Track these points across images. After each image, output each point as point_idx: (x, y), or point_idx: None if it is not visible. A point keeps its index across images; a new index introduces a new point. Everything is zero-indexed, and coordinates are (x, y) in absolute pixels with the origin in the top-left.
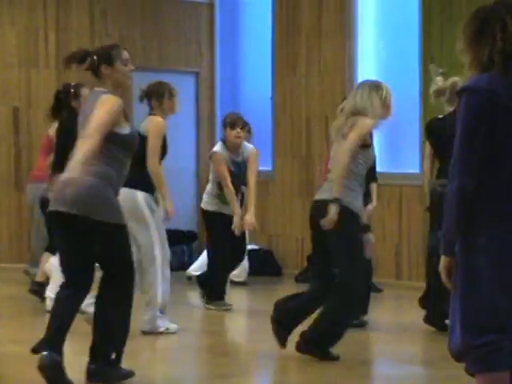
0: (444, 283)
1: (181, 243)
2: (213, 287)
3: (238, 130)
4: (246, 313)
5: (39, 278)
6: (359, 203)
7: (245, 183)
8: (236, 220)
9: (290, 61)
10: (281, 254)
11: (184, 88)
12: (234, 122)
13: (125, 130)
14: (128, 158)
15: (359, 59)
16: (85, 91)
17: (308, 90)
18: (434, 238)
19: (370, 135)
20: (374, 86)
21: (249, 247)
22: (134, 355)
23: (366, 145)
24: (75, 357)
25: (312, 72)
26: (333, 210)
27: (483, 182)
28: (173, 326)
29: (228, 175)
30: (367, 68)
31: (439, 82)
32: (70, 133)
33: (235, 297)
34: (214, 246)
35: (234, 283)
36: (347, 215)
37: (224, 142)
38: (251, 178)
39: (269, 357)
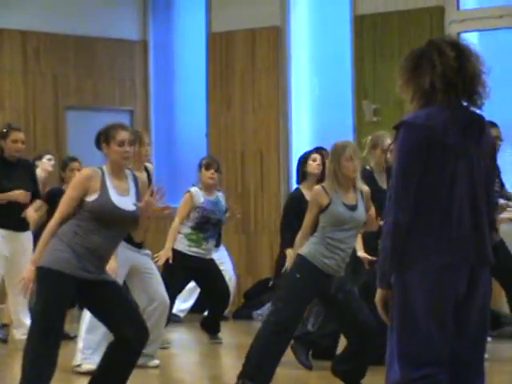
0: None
1: None
2: None
3: (213, 171)
4: (184, 350)
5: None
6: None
7: (221, 222)
8: (163, 252)
9: (224, 97)
10: None
11: None
12: (210, 163)
13: (91, 197)
14: (104, 224)
15: (293, 95)
16: (17, 135)
17: (243, 126)
18: None
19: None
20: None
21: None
22: None
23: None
24: None
25: (246, 108)
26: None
27: (417, 216)
28: (84, 367)
29: (184, 215)
30: (301, 104)
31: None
32: None
33: (174, 334)
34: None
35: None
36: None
37: (196, 185)
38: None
39: None
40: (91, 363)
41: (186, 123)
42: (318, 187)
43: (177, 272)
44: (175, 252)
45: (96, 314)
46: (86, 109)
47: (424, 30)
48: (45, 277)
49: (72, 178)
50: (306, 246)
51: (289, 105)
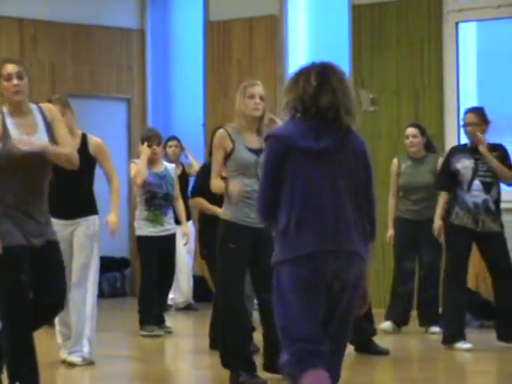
0: None
1: (113, 270)
2: (143, 313)
3: (154, 147)
4: (179, 338)
5: None
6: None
7: (169, 195)
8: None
9: (221, 86)
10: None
11: (116, 114)
12: (147, 139)
13: None
14: (19, 171)
15: None
16: None
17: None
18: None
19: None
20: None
21: None
22: None
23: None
24: None
25: None
26: None
27: (289, 213)
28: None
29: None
30: None
31: None
32: None
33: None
34: (142, 272)
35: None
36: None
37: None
38: (178, 197)
39: (202, 381)
40: (77, 356)
41: (183, 112)
42: (221, 131)
43: (148, 258)
44: (140, 239)
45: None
46: (83, 97)
47: (422, 19)
48: None
49: None
50: (225, 209)
51: None
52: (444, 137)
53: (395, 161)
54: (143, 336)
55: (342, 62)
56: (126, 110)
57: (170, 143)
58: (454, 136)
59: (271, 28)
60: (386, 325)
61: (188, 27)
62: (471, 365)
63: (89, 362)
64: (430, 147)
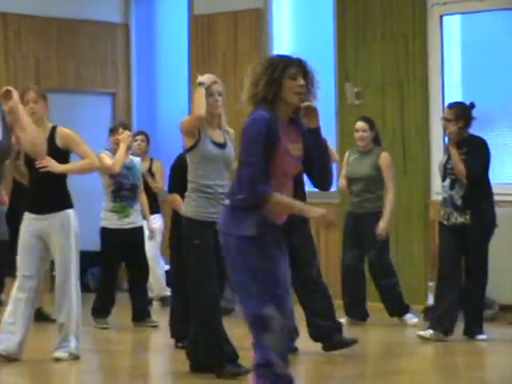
0: None
1: (95, 265)
2: (99, 304)
3: (116, 136)
4: (164, 332)
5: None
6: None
7: (136, 187)
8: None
9: None
10: None
11: (101, 109)
12: (114, 128)
13: None
14: None
15: None
16: None
17: (225, 109)
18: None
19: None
20: None
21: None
22: (47, 379)
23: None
24: None
25: (228, 92)
26: None
27: None
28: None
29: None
30: None
31: None
32: None
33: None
34: (102, 265)
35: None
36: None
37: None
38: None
39: (187, 375)
40: (64, 351)
41: (168, 106)
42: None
43: (110, 252)
44: (105, 230)
45: None
46: (68, 91)
47: (406, 13)
48: None
49: None
50: (187, 206)
51: None
52: (429, 131)
53: (346, 154)
54: (96, 327)
55: (327, 56)
56: (111, 104)
57: (137, 137)
58: (439, 130)
59: (256, 22)
60: (344, 320)
61: (172, 21)
62: (444, 357)
63: (75, 357)
64: (377, 141)
